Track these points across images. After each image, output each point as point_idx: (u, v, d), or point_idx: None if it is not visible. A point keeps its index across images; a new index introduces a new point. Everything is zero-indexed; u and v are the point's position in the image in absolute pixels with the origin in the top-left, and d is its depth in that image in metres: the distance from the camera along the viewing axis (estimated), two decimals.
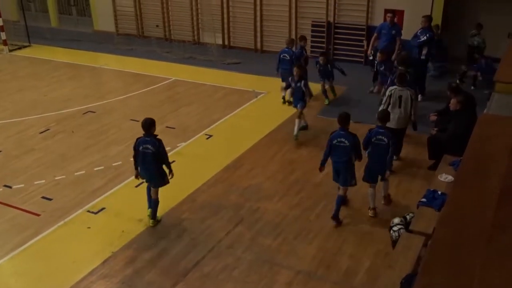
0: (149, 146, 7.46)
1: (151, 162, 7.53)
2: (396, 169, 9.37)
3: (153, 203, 7.79)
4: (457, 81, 12.74)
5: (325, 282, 6.65)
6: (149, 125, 7.55)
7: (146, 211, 8.06)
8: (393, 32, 12.48)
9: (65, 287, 6.63)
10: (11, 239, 7.55)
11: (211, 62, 15.70)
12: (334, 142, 7.61)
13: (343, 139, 7.55)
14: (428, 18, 12.30)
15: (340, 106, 12.11)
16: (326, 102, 12.38)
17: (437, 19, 13.93)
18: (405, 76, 9.30)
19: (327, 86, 12.48)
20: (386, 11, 14.28)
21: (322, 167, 7.85)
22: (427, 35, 12.06)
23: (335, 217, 7.79)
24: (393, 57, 12.42)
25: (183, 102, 12.76)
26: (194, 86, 13.85)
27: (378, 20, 14.61)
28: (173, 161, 9.69)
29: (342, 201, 7.89)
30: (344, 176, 7.67)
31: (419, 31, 12.22)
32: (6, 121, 11.80)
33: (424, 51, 12.09)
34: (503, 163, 3.86)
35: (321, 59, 12.23)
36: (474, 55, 13.31)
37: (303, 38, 13.03)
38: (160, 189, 7.82)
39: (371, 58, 14.00)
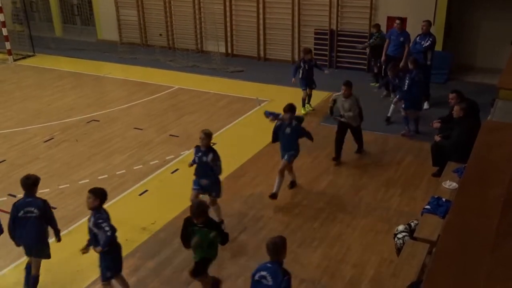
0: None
1: None
2: (399, 176, 9.36)
3: None
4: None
5: None
6: None
7: (149, 219, 8.06)
8: (401, 39, 12.49)
9: None
10: (15, 248, 7.53)
11: (214, 71, 15.75)
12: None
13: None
14: (429, 23, 12.32)
15: None
16: (303, 111, 12.09)
17: (440, 27, 13.95)
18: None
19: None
20: (389, 18, 14.33)
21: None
22: (430, 39, 12.08)
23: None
24: (401, 64, 12.43)
25: (186, 110, 12.79)
26: (197, 94, 13.88)
27: (381, 27, 14.63)
28: (177, 169, 9.74)
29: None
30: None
31: (419, 37, 12.24)
32: (11, 130, 11.85)
33: (429, 56, 12.11)
34: (508, 170, 3.85)
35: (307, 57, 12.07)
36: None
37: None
38: (164, 197, 7.82)
39: (380, 65, 14.04)
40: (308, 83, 12.14)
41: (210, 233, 5.98)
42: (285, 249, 5.32)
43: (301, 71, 12.02)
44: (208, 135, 7.49)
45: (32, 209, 6.29)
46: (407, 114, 10.95)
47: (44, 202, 6.43)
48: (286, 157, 8.64)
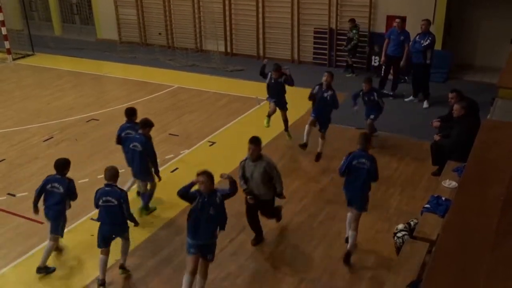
0: (137, 144, 7.96)
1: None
2: (399, 175, 9.36)
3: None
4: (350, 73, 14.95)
5: None
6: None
7: (149, 218, 8.07)
8: (402, 38, 12.48)
9: None
10: (15, 247, 7.56)
11: (214, 70, 15.74)
12: None
13: None
14: (429, 22, 12.33)
15: (342, 113, 12.13)
16: (265, 124, 10.61)
17: (440, 26, 13.95)
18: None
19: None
20: (388, 17, 14.35)
21: None
22: (430, 38, 12.09)
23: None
24: (402, 63, 12.45)
25: (186, 110, 12.78)
26: (197, 93, 13.88)
27: (380, 26, 14.66)
28: (176, 169, 9.75)
29: None
30: None
31: (418, 36, 12.24)
32: (10, 129, 11.84)
33: (429, 55, 12.11)
34: (507, 169, 3.85)
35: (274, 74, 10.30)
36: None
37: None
38: (164, 197, 7.85)
39: (377, 64, 14.14)
40: (278, 102, 10.50)
41: None
42: (371, 141, 7.15)
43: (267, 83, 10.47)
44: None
45: (138, 144, 7.88)
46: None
47: (147, 139, 7.94)
48: (209, 257, 6.31)
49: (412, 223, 6.90)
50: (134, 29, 18.86)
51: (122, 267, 6.95)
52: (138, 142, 7.84)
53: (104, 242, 6.65)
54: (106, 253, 6.69)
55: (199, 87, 14.34)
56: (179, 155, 10.33)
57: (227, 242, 7.57)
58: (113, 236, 6.74)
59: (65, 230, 7.91)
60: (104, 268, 6.67)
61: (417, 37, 12.26)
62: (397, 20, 12.64)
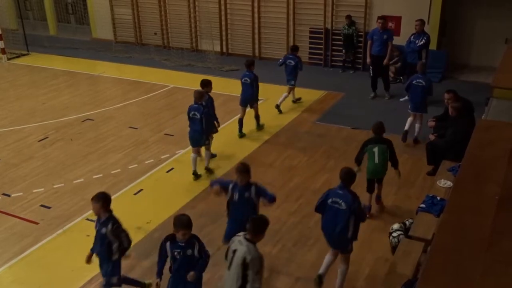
0: (247, 78, 10.75)
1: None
2: (395, 175, 9.36)
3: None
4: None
5: None
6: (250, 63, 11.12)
7: (144, 218, 8.05)
8: (385, 37, 12.50)
9: None
10: (10, 248, 7.53)
11: (209, 69, 15.72)
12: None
13: None
14: (423, 22, 12.37)
15: (338, 113, 12.16)
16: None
17: (435, 25, 13.98)
18: None
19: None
20: (384, 17, 14.36)
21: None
22: (424, 38, 12.12)
23: None
24: (385, 61, 12.49)
25: (181, 109, 12.70)
26: (192, 93, 13.76)
27: (375, 26, 14.66)
28: (172, 168, 9.73)
29: None
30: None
31: (413, 36, 12.26)
32: (5, 129, 11.80)
33: (424, 55, 12.15)
34: (502, 168, 3.87)
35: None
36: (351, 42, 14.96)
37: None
38: (159, 197, 7.83)
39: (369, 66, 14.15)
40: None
41: None
42: None
43: None
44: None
45: (248, 78, 10.96)
46: None
47: (255, 75, 10.99)
48: None
49: (407, 222, 6.92)
50: (130, 29, 18.82)
51: (206, 168, 9.49)
52: (248, 77, 10.82)
53: (192, 143, 9.34)
54: (195, 151, 9.32)
55: (194, 86, 14.17)
56: (175, 155, 10.32)
57: (224, 241, 7.55)
58: (196, 141, 9.28)
59: (60, 231, 7.95)
60: (194, 163, 9.27)
61: (412, 37, 12.29)
62: (380, 20, 12.62)
